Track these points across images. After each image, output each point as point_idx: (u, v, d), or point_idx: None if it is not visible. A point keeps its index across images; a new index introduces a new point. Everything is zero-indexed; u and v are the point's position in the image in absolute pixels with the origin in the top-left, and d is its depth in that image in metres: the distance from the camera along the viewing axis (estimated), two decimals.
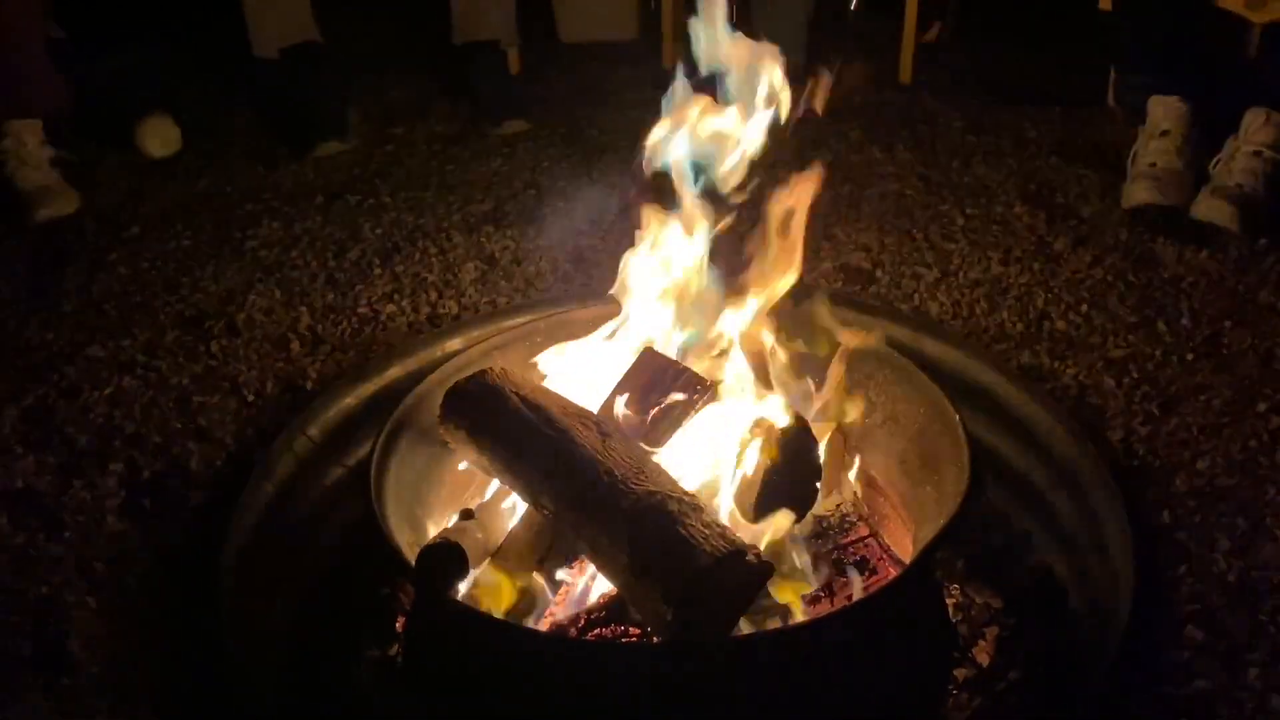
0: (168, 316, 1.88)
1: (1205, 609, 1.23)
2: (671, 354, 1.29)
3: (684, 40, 1.27)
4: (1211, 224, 2.00)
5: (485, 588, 1.14)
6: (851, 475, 1.33)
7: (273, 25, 2.59)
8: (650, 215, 1.33)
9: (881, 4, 3.08)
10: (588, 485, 1.09)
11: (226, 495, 1.42)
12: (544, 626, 1.15)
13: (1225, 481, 1.42)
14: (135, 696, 1.18)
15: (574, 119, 2.70)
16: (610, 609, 1.14)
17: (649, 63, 3.00)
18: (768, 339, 1.29)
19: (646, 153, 1.29)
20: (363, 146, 2.59)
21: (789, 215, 1.28)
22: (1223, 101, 2.14)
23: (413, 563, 1.12)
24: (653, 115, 1.30)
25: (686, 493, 1.08)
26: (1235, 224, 1.98)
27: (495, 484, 1.26)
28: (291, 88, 2.61)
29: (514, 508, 1.23)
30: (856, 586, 1.20)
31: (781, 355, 1.29)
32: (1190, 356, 1.67)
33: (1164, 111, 2.17)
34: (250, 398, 1.65)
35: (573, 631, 1.13)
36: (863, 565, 1.23)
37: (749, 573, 1.03)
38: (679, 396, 1.22)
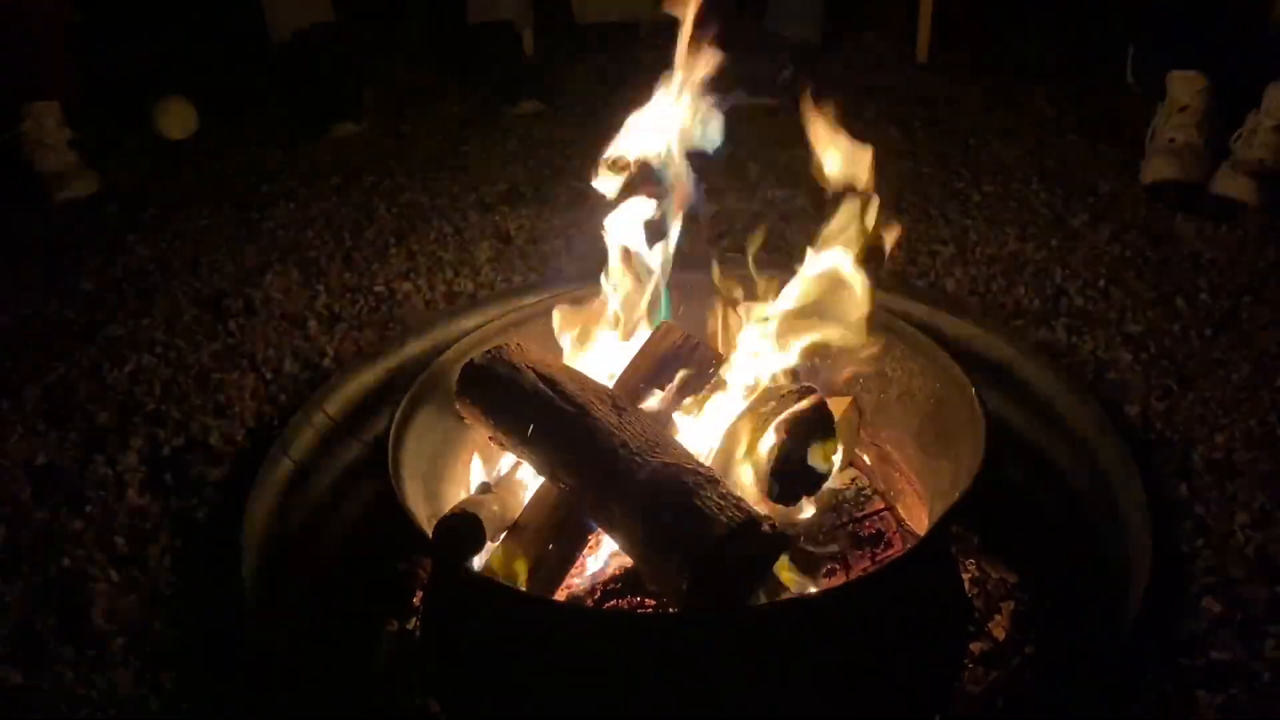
0: (186, 296, 1.90)
1: (1223, 581, 1.23)
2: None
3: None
4: (1231, 199, 1.99)
5: (502, 559, 1.15)
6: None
7: (288, 8, 2.60)
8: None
9: None
10: (603, 458, 1.09)
11: (246, 471, 1.43)
12: (561, 598, 1.16)
13: (1244, 456, 1.41)
14: (158, 667, 1.20)
15: (589, 100, 2.69)
16: (626, 580, 1.14)
17: (664, 43, 2.99)
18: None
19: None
20: (378, 128, 2.60)
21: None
22: (1243, 76, 2.12)
23: (430, 535, 1.13)
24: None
25: (702, 465, 1.08)
26: (1255, 199, 1.97)
27: (511, 458, 1.26)
28: (307, 70, 2.62)
29: (530, 481, 1.24)
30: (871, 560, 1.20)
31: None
32: (1209, 331, 1.66)
33: (1183, 87, 2.15)
34: (269, 375, 1.66)
35: (589, 603, 1.14)
36: (878, 539, 1.23)
37: (765, 543, 1.03)
38: (693, 371, 1.23)
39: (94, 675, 1.18)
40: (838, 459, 1.22)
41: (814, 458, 1.20)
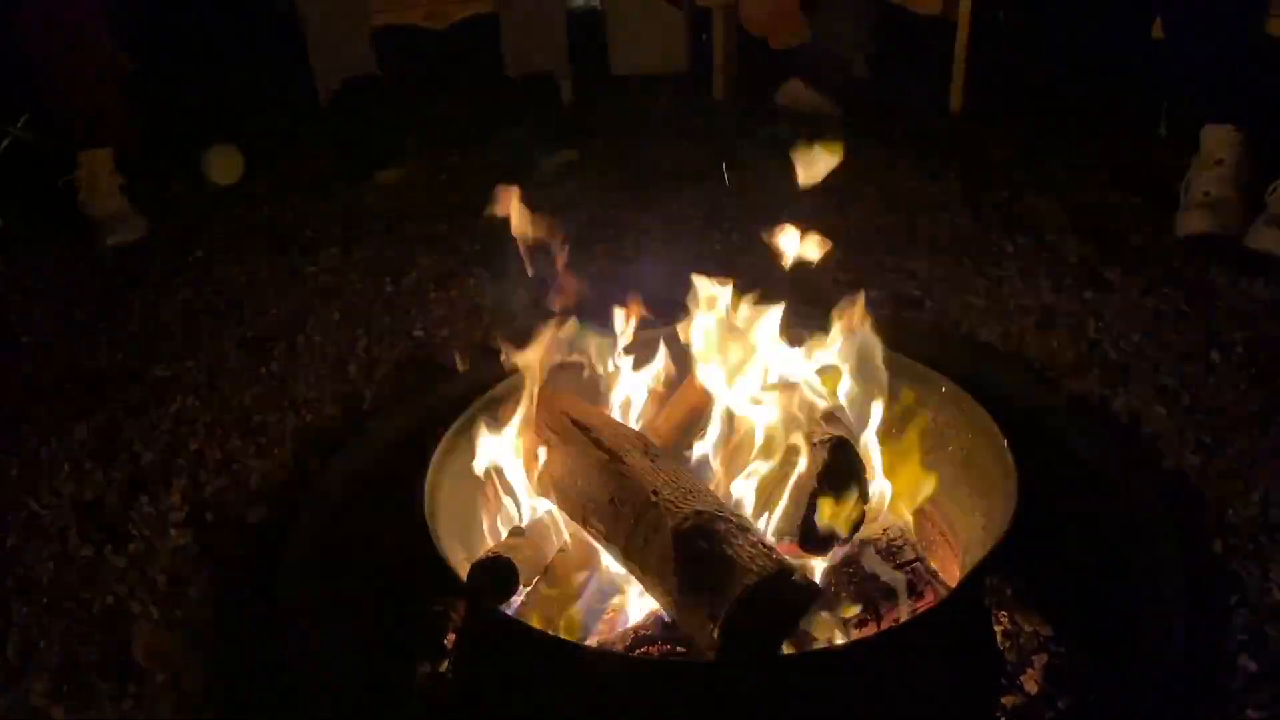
0: (230, 338, 1.94)
1: (1258, 638, 1.22)
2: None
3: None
4: (1266, 253, 1.98)
5: (535, 604, 1.16)
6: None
7: (334, 59, 2.67)
8: None
9: (933, 35, 3.09)
10: (636, 505, 1.10)
11: (285, 511, 1.46)
12: (592, 643, 1.17)
13: None
14: (197, 703, 1.22)
15: (625, 149, 2.74)
16: (658, 627, 1.15)
17: (699, 95, 3.04)
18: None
19: None
20: (419, 176, 2.65)
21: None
22: (1277, 130, 2.12)
23: (464, 578, 1.14)
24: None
25: (734, 513, 1.09)
26: None
27: (546, 503, 1.28)
28: (351, 119, 2.68)
29: (564, 526, 1.25)
30: (903, 610, 1.20)
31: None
32: (1244, 386, 1.65)
33: (1218, 141, 2.15)
34: (309, 417, 1.69)
35: (620, 649, 1.15)
36: (910, 590, 1.23)
37: (795, 593, 1.03)
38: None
39: (135, 711, 1.20)
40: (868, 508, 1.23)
41: (845, 507, 1.20)
